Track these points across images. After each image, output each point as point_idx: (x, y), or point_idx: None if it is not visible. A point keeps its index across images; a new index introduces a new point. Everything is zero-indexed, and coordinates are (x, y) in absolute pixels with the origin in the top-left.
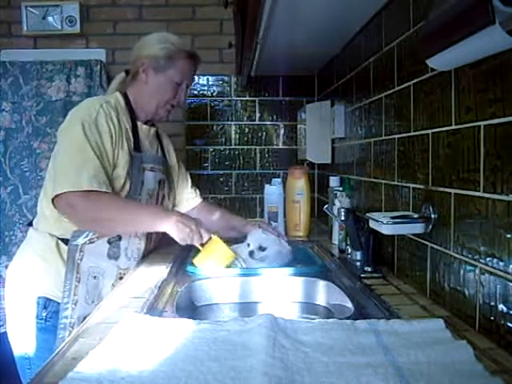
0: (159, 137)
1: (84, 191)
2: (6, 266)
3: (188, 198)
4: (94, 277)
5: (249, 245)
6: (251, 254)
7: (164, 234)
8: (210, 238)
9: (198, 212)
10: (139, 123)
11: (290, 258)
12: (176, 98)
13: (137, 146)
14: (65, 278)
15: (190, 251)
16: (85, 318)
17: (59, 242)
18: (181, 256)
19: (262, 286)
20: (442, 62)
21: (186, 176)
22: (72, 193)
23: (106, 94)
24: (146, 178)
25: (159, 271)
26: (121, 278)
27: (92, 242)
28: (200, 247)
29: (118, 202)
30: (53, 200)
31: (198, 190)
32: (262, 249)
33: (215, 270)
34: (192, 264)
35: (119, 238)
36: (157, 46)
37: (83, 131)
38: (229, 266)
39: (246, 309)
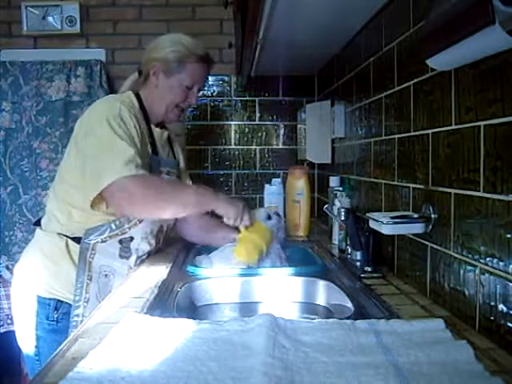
0: (170, 141)
1: (128, 176)
2: (6, 266)
3: None
4: (106, 275)
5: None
6: (269, 217)
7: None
8: (252, 225)
9: (196, 220)
10: (152, 126)
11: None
12: (186, 102)
13: (154, 149)
14: (76, 275)
15: (189, 251)
16: None
17: (69, 242)
18: (181, 256)
19: (262, 286)
20: (442, 61)
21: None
22: (115, 181)
23: (119, 93)
24: None
25: (159, 271)
26: None
27: (104, 242)
28: (242, 229)
29: (163, 181)
30: (100, 196)
31: None
32: (269, 218)
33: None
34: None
35: (130, 238)
36: (168, 49)
37: (109, 126)
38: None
39: (246, 309)
